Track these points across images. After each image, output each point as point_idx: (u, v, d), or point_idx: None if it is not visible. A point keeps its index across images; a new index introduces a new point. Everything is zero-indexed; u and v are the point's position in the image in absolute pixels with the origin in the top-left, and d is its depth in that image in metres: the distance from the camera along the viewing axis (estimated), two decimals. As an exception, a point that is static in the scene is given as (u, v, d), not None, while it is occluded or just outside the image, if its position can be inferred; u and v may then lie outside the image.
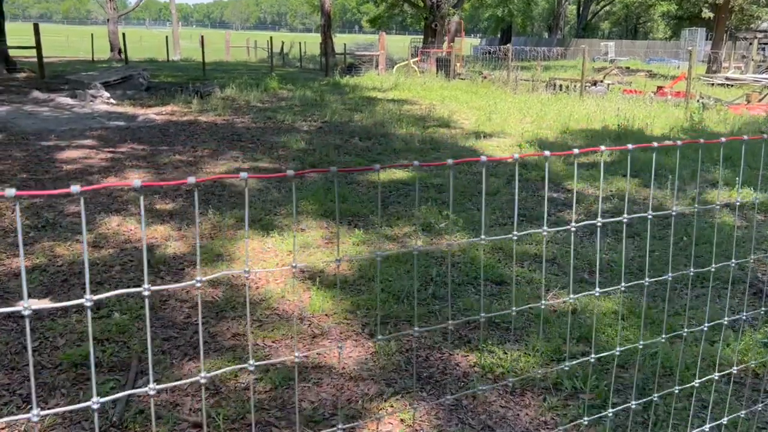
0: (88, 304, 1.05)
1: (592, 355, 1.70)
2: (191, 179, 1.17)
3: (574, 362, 2.51)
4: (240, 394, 2.83)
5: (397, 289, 3.88)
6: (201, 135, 9.12)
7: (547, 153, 1.51)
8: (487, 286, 4.10)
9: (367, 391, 2.89)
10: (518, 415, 2.76)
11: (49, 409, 2.69)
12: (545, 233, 1.57)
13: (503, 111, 11.90)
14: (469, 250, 4.65)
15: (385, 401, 2.81)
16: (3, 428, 2.54)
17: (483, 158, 1.46)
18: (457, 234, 5.02)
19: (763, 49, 26.41)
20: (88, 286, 1.00)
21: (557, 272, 4.34)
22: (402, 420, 2.68)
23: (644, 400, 2.65)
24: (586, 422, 2.30)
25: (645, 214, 1.68)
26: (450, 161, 1.39)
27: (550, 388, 2.92)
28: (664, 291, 4.07)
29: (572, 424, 2.67)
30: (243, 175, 1.24)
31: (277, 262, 4.32)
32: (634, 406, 2.23)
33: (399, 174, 6.86)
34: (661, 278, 1.87)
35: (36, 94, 13.09)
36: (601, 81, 17.10)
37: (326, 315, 3.58)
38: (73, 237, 4.74)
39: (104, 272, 4.13)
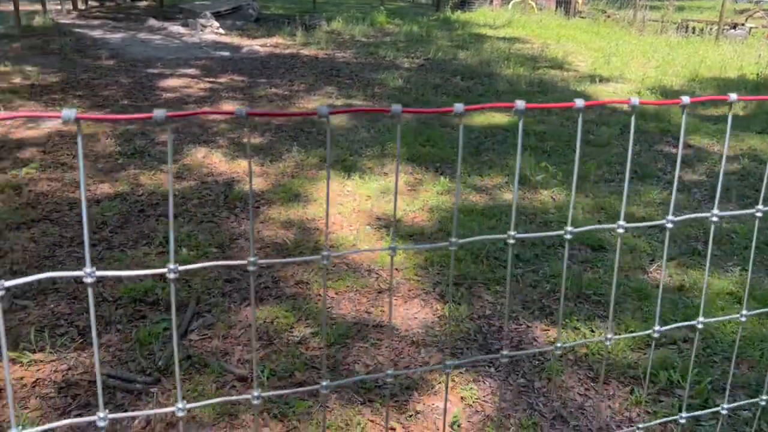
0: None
1: (764, 398, 1.31)
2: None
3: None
4: (292, 348, 2.65)
5: (477, 247, 3.54)
6: (300, 69, 8.94)
7: (734, 96, 1.09)
8: (582, 251, 3.67)
9: (428, 360, 2.62)
10: (598, 406, 2.40)
11: (102, 343, 2.64)
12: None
13: (625, 53, 10.86)
14: (565, 208, 4.19)
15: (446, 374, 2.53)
16: (53, 360, 2.51)
17: (634, 100, 1.07)
18: (555, 189, 4.56)
19: None
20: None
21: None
22: (462, 398, 2.40)
23: (747, 401, 2.21)
24: (683, 420, 1.93)
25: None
26: (579, 102, 0.97)
27: (641, 379, 2.53)
28: (794, 272, 3.47)
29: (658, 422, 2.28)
30: (239, 111, 0.94)
31: (354, 206, 4.08)
32: (724, 412, 1.83)
33: (498, 118, 6.36)
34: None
35: (151, 22, 13.43)
36: (742, 24, 15.26)
37: (396, 269, 3.32)
38: (158, 166, 4.72)
39: (180, 205, 4.07)
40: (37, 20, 11.69)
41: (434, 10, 19.47)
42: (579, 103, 0.91)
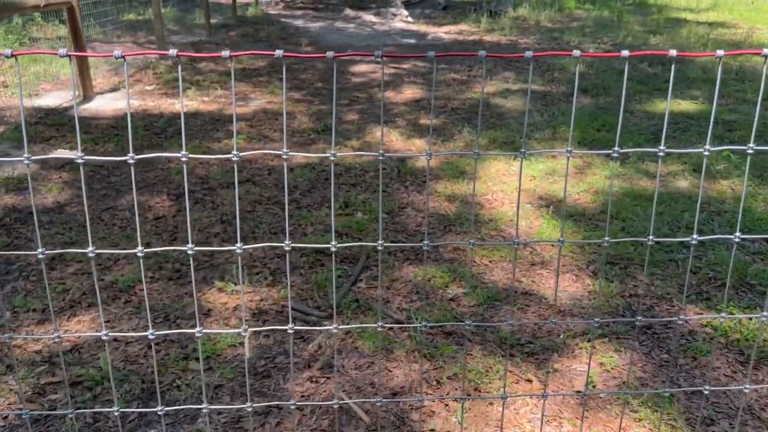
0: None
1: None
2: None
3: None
4: (445, 303, 2.93)
5: (638, 231, 3.55)
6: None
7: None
8: (755, 243, 3.51)
9: (572, 327, 2.76)
10: (743, 390, 2.38)
11: (284, 282, 3.12)
12: None
13: None
14: (745, 199, 3.99)
15: (588, 341, 2.66)
16: (249, 291, 3.03)
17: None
18: (735, 179, 4.34)
19: None
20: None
21: None
22: (601, 364, 2.52)
23: None
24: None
25: None
26: (528, 54, 1.11)
27: (796, 369, 2.45)
28: None
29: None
30: (278, 53, 1.20)
31: (516, 186, 4.25)
32: None
33: (684, 106, 6.08)
34: None
35: (347, 11, 14.40)
36: None
37: (552, 245, 3.45)
38: (343, 142, 5.24)
39: (359, 176, 4.52)
40: (250, 11, 13.11)
41: (630, -7, 18.46)
42: (528, 54, 1.06)
